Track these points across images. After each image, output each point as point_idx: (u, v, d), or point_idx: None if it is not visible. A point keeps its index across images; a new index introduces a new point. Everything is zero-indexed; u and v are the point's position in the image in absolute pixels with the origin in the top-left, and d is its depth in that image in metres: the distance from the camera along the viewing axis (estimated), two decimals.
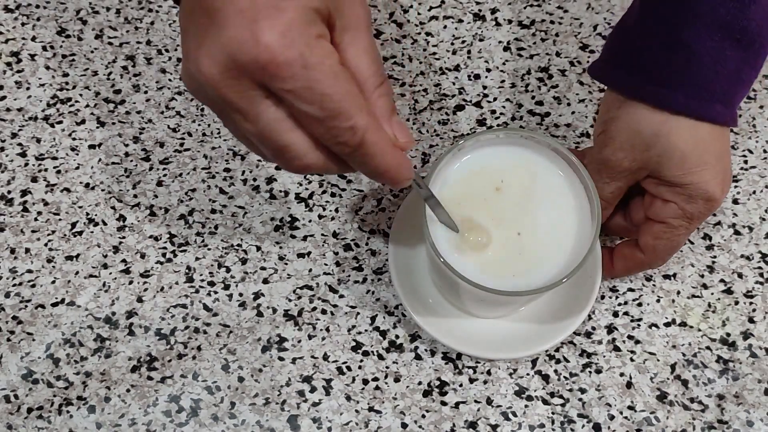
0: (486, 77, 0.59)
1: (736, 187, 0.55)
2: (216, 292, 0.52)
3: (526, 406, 0.48)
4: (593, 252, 0.42)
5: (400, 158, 0.36)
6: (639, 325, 0.50)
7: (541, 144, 0.45)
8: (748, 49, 0.42)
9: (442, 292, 0.49)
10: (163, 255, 0.53)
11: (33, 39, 0.61)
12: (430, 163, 0.56)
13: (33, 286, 0.52)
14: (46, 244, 0.53)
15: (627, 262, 0.48)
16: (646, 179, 0.46)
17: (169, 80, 0.59)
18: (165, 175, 0.56)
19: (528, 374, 0.49)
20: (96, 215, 0.54)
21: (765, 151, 0.56)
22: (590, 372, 0.49)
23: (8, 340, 0.50)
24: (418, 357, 0.50)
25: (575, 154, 0.45)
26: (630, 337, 0.50)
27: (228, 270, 0.52)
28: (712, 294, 0.51)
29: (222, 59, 0.31)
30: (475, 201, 0.44)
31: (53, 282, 0.52)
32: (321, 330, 0.50)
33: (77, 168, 0.56)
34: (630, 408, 0.48)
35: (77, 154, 0.57)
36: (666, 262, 0.49)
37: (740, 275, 0.52)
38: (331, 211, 0.54)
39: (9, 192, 0.55)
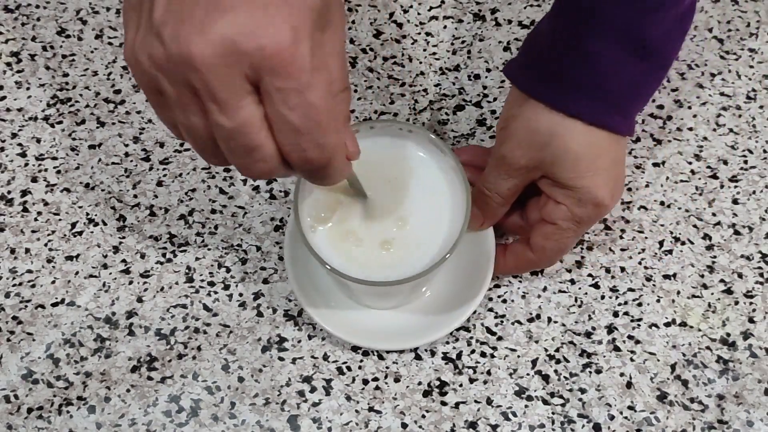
0: (486, 77, 0.59)
1: (736, 187, 0.55)
2: (216, 292, 0.52)
3: (526, 406, 0.48)
4: (461, 242, 0.43)
5: (348, 170, 0.36)
6: (639, 325, 0.50)
7: (417, 136, 0.46)
8: (647, 61, 0.43)
9: (337, 285, 0.50)
10: (163, 255, 0.53)
11: (33, 39, 0.61)
12: None
13: (33, 286, 0.52)
14: (46, 244, 0.53)
15: (518, 260, 0.49)
16: (541, 179, 0.46)
17: None
18: (165, 175, 0.56)
19: (528, 374, 0.49)
20: (96, 215, 0.54)
21: (765, 151, 0.56)
22: (590, 372, 0.49)
23: (8, 340, 0.50)
24: (418, 357, 0.50)
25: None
26: (630, 337, 0.50)
27: (228, 270, 0.52)
28: (712, 294, 0.51)
29: (221, 42, 0.29)
30: (349, 191, 0.45)
31: (53, 282, 0.52)
32: (321, 330, 0.50)
33: (77, 168, 0.56)
34: (630, 408, 0.48)
35: (77, 154, 0.57)
36: (554, 263, 0.50)
37: (740, 275, 0.52)
38: None
39: (9, 192, 0.55)
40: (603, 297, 0.51)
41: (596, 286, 0.52)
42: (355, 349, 0.50)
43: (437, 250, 0.44)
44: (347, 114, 0.35)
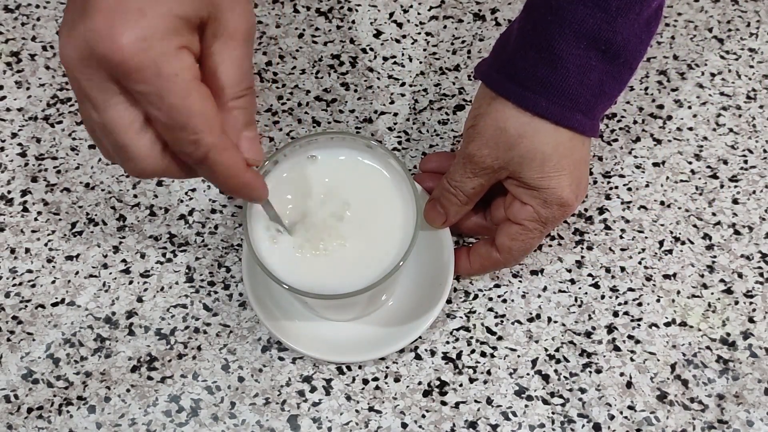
0: None
1: (736, 187, 0.55)
2: (216, 292, 0.52)
3: (526, 406, 0.48)
4: (413, 250, 0.43)
5: (251, 179, 0.36)
6: (639, 325, 0.50)
7: (356, 143, 0.46)
8: (613, 62, 0.44)
9: (296, 299, 0.49)
10: (163, 255, 0.53)
11: (33, 39, 0.61)
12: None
13: (33, 286, 0.52)
14: (46, 244, 0.53)
15: (483, 260, 0.50)
16: (506, 180, 0.47)
17: None
18: None
19: (528, 374, 0.49)
20: (96, 215, 0.54)
21: (765, 151, 0.56)
22: (590, 372, 0.49)
23: (8, 340, 0.50)
24: (418, 357, 0.50)
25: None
26: (630, 337, 0.50)
27: (228, 270, 0.52)
28: (712, 294, 0.51)
29: (81, 47, 0.31)
30: (302, 200, 0.45)
31: (53, 282, 0.52)
32: None
33: (77, 168, 0.56)
34: (630, 408, 0.48)
35: (77, 154, 0.57)
36: (519, 262, 0.51)
37: (740, 275, 0.52)
38: None
39: (9, 192, 0.55)
40: (603, 297, 0.51)
41: (596, 286, 0.52)
42: None
43: (392, 259, 0.43)
44: (247, 119, 0.36)
